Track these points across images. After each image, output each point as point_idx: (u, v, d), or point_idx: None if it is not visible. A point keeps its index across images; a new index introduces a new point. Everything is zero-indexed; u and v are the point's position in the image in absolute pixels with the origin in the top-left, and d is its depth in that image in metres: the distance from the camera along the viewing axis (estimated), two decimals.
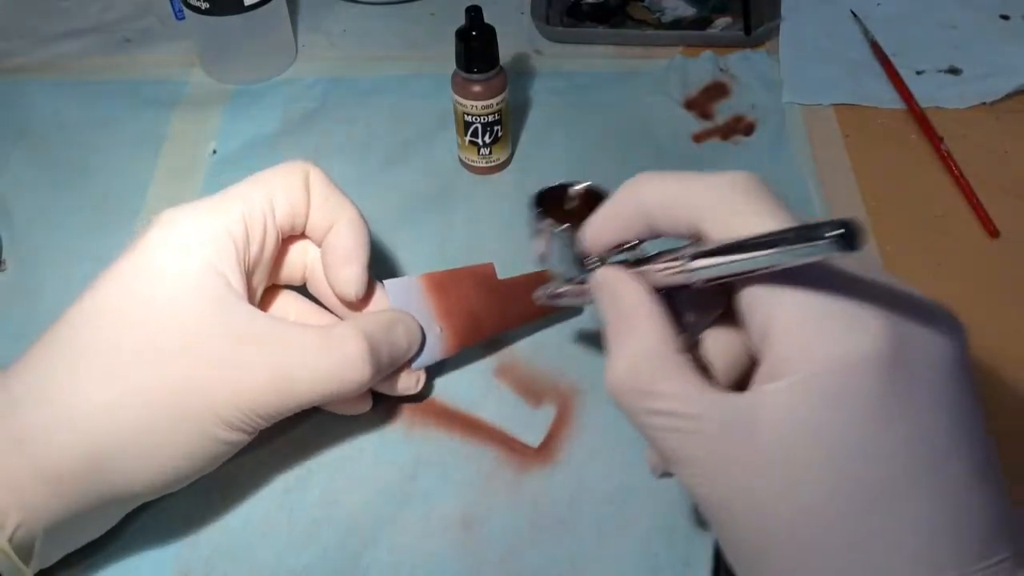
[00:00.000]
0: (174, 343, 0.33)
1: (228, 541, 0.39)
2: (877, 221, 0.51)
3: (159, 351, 0.33)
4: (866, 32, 0.62)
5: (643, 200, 0.30)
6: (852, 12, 0.64)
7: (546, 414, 0.43)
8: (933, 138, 0.55)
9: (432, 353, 0.41)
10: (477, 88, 0.50)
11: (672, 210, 0.29)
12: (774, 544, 0.26)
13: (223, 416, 0.34)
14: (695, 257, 0.28)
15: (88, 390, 0.32)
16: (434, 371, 0.44)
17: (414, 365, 0.41)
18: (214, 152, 0.56)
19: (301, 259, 0.41)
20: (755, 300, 0.27)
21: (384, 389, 0.41)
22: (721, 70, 0.60)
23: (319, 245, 0.40)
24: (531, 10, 0.63)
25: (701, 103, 0.58)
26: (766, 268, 0.25)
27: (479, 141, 0.52)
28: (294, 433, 0.42)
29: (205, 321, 0.34)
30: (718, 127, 0.57)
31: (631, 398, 0.29)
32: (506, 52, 0.53)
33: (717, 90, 0.59)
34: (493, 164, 0.54)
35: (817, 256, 0.23)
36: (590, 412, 0.43)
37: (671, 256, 0.29)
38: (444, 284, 0.42)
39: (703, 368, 0.31)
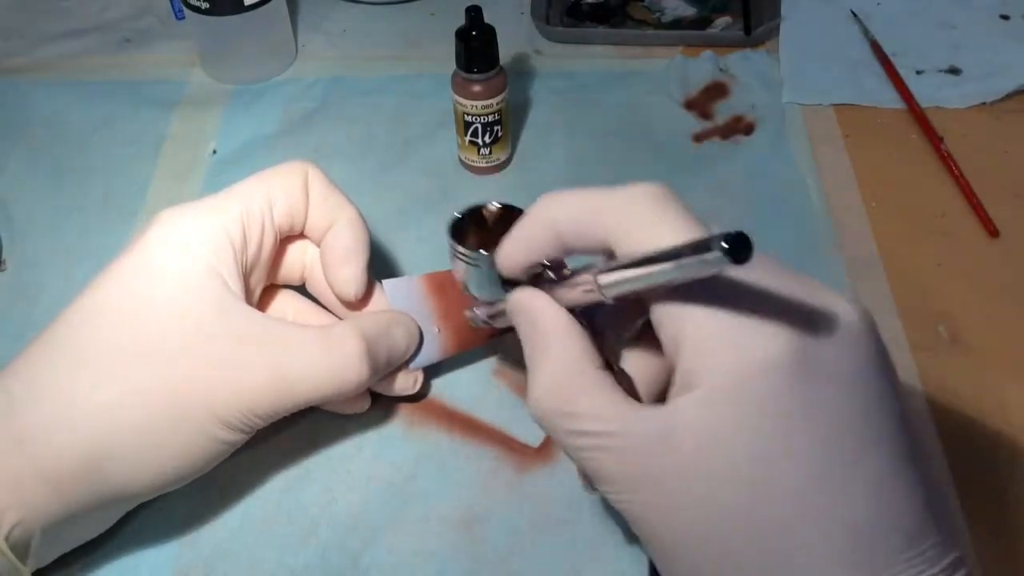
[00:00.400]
0: (174, 343, 0.33)
1: (227, 541, 0.38)
2: (877, 221, 0.51)
3: (159, 351, 0.33)
4: (866, 32, 0.62)
5: (552, 219, 0.30)
6: (852, 12, 0.64)
7: None
8: (933, 138, 0.55)
9: (430, 354, 0.41)
10: (477, 88, 0.50)
11: (581, 227, 0.29)
12: (696, 555, 0.26)
13: (222, 416, 0.34)
14: (601, 273, 0.28)
15: (88, 390, 0.32)
16: (433, 371, 0.44)
17: (412, 365, 0.41)
18: (214, 152, 0.56)
19: (300, 259, 0.41)
20: (664, 314, 0.27)
21: (382, 389, 0.41)
22: (721, 70, 0.60)
23: (318, 245, 0.40)
24: (531, 10, 0.63)
25: (701, 103, 0.58)
26: (667, 282, 0.26)
27: (479, 141, 0.52)
28: (293, 432, 0.42)
29: (206, 321, 0.34)
30: (718, 127, 0.57)
31: (551, 419, 0.29)
32: (506, 52, 0.53)
33: (717, 90, 0.59)
34: (493, 164, 0.54)
35: (710, 270, 0.24)
36: None
37: (582, 274, 0.29)
38: (444, 285, 0.42)
39: (627, 383, 0.31)
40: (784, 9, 0.64)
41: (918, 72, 0.60)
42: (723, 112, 0.57)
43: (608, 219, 0.28)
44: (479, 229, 0.37)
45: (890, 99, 0.58)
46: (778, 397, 0.25)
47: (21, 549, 0.32)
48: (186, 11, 0.57)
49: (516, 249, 0.32)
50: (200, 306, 0.34)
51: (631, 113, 0.58)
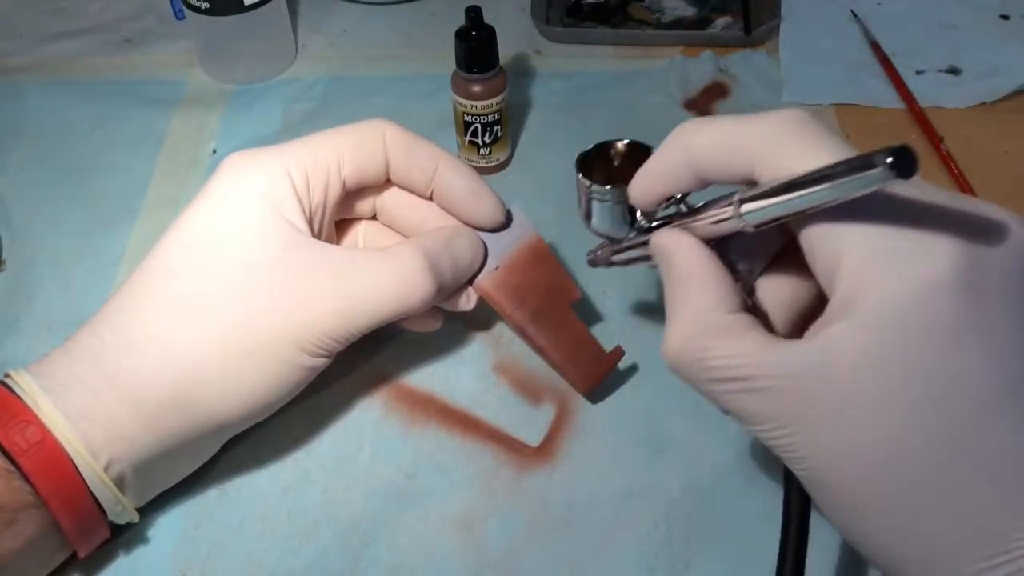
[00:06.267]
0: (244, 280, 0.35)
1: (227, 541, 0.38)
2: None
3: (232, 289, 0.35)
4: (866, 32, 0.62)
5: (691, 150, 0.29)
6: (852, 12, 0.64)
7: (546, 413, 0.43)
8: (933, 138, 0.55)
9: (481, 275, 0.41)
10: (477, 88, 0.50)
11: (722, 158, 0.28)
12: (861, 484, 0.26)
13: (298, 343, 0.36)
14: (745, 201, 0.27)
15: (171, 330, 0.35)
16: (434, 369, 0.44)
17: None
18: (214, 152, 0.56)
19: (371, 196, 0.41)
20: (817, 239, 0.26)
21: (446, 305, 0.41)
22: (721, 70, 0.60)
23: (422, 193, 0.40)
24: (531, 10, 0.63)
25: (701, 103, 0.58)
26: (821, 204, 0.25)
27: (479, 141, 0.52)
28: (293, 433, 0.42)
29: (272, 257, 0.36)
30: None
31: (690, 369, 0.28)
32: (506, 52, 0.53)
33: (717, 90, 0.59)
34: (493, 164, 0.54)
35: (872, 187, 0.23)
36: (590, 412, 0.42)
37: (722, 203, 0.29)
38: (540, 260, 0.41)
39: (763, 317, 0.30)
40: (784, 9, 0.64)
41: (918, 72, 0.60)
42: (723, 112, 0.57)
43: (750, 147, 0.28)
44: (606, 166, 0.36)
45: (890, 99, 0.58)
46: (948, 317, 0.24)
47: (120, 484, 0.34)
48: (186, 11, 0.57)
49: (653, 182, 0.31)
50: (265, 244, 0.36)
51: (631, 113, 0.58)
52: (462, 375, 0.44)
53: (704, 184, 0.30)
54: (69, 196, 0.53)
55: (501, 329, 0.45)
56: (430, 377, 0.44)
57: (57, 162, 0.55)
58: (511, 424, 0.42)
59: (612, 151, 0.36)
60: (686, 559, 0.37)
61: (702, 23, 0.64)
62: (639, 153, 0.35)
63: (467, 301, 0.41)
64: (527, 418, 0.42)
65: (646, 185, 0.32)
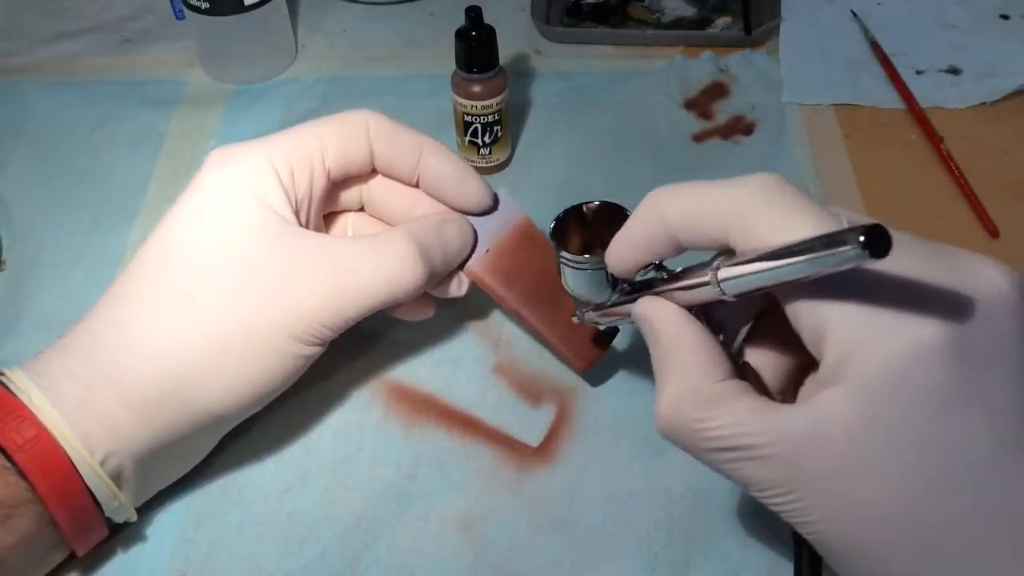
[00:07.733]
0: (234, 274, 0.35)
1: (227, 541, 0.38)
2: None
3: (221, 283, 0.35)
4: (866, 32, 0.62)
5: (665, 217, 0.29)
6: (852, 12, 0.64)
7: (545, 413, 0.43)
8: (933, 138, 0.55)
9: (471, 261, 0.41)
10: (477, 88, 0.50)
11: (696, 224, 0.28)
12: (868, 545, 0.26)
13: (291, 332, 0.36)
14: (722, 269, 0.27)
15: (162, 324, 0.35)
16: (434, 370, 0.44)
17: None
18: None
19: (358, 187, 0.41)
20: (800, 308, 0.26)
21: (437, 292, 0.41)
22: (721, 70, 0.60)
23: (408, 180, 0.40)
24: (531, 10, 0.63)
25: (701, 103, 0.58)
26: (797, 278, 0.25)
27: (479, 141, 0.52)
28: (293, 433, 0.42)
29: (260, 248, 0.36)
30: (718, 127, 0.57)
31: (685, 438, 0.29)
32: (506, 52, 0.53)
33: (717, 90, 0.59)
34: (493, 164, 0.54)
35: (845, 265, 0.23)
36: (590, 412, 0.43)
37: (700, 271, 0.29)
38: (530, 242, 0.41)
39: (754, 377, 0.30)
40: (784, 9, 0.64)
41: (918, 72, 0.59)
42: (723, 112, 0.57)
43: (725, 214, 0.27)
44: (581, 228, 0.37)
45: (890, 99, 0.58)
46: (936, 384, 0.24)
47: (116, 480, 0.35)
48: (186, 11, 0.57)
49: (628, 250, 0.31)
50: (254, 235, 0.36)
51: (631, 113, 0.58)
52: (462, 376, 0.44)
53: (680, 250, 0.30)
54: (69, 196, 0.53)
55: (501, 330, 0.46)
56: (430, 378, 0.44)
57: (57, 162, 0.55)
58: (511, 424, 0.42)
59: (585, 211, 0.37)
60: (686, 559, 0.37)
61: (702, 23, 0.64)
62: (612, 213, 0.35)
63: (459, 286, 0.41)
64: (527, 418, 0.42)
65: (622, 253, 0.32)
